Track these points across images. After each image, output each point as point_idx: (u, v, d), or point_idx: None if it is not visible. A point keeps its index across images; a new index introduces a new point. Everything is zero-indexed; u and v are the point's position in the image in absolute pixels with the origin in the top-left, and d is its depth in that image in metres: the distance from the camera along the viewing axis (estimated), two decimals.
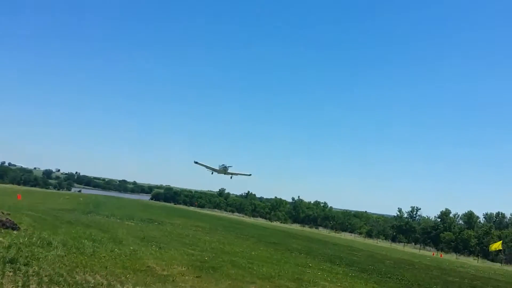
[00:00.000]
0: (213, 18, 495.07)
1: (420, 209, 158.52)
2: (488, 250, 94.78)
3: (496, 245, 78.72)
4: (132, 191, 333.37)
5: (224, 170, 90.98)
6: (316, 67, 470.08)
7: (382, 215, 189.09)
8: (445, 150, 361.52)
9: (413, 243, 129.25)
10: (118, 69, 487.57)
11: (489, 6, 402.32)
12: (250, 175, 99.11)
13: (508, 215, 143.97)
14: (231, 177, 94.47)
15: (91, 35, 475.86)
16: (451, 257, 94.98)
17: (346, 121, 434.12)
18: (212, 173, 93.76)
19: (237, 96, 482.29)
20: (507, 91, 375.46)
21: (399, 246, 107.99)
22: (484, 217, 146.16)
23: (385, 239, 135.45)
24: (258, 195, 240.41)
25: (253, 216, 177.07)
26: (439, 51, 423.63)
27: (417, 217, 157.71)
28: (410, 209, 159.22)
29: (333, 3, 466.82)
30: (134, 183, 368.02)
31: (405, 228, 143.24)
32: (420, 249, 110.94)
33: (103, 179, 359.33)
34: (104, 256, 17.42)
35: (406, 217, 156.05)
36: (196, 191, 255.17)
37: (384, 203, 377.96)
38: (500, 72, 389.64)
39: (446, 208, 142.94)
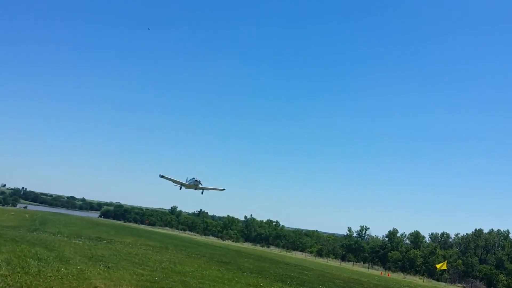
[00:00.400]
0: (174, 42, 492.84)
1: (369, 228, 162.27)
2: (434, 269, 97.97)
3: (442, 265, 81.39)
4: (81, 208, 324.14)
5: (195, 184, 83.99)
6: (268, 91, 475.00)
7: (333, 234, 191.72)
8: (392, 172, 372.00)
9: (362, 262, 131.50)
10: (67, 85, 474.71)
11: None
12: (223, 189, 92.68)
13: (452, 235, 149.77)
14: (202, 193, 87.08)
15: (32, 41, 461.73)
16: (398, 276, 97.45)
17: (297, 141, 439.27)
18: (180, 188, 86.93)
19: (189, 114, 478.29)
20: (451, 119, 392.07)
21: (348, 265, 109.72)
22: (429, 237, 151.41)
23: (335, 258, 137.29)
24: (210, 213, 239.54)
25: (205, 234, 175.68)
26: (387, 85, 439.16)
27: (366, 236, 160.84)
28: (360, 228, 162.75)
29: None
30: (83, 199, 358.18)
31: (354, 247, 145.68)
32: (368, 268, 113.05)
33: (51, 195, 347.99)
34: (50, 276, 16.95)
35: (355, 236, 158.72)
36: (147, 209, 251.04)
37: (335, 222, 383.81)
38: (441, 104, 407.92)
39: (393, 228, 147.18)
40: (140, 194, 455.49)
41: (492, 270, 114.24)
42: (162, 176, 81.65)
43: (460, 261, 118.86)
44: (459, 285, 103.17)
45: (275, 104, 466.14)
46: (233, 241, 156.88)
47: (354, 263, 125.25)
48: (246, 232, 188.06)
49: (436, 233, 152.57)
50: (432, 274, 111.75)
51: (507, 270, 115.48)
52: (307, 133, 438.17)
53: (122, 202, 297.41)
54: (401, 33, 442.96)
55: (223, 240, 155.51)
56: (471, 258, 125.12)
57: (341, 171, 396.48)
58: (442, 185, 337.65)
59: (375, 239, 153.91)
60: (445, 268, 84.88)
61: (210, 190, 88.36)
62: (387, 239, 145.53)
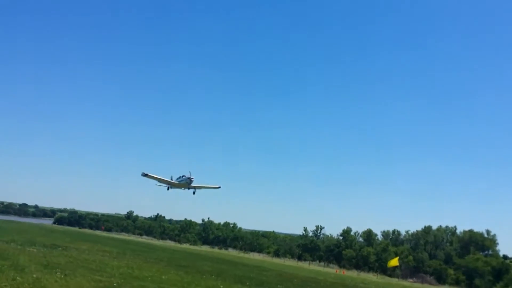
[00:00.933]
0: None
1: (324, 227, 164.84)
2: (386, 266, 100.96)
3: (394, 261, 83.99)
4: (34, 215, 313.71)
5: (186, 183, 74.68)
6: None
7: (289, 234, 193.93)
8: (345, 172, 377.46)
9: (318, 261, 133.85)
10: (15, 88, 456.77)
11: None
12: (219, 187, 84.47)
13: (403, 233, 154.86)
14: (194, 193, 78.01)
15: None
16: (353, 273, 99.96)
17: (250, 142, 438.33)
18: (168, 188, 77.91)
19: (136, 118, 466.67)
20: (398, 122, 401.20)
21: (305, 264, 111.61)
22: (381, 235, 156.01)
23: (292, 257, 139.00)
24: (167, 217, 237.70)
25: (162, 238, 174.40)
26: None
27: (321, 235, 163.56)
28: (315, 228, 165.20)
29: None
30: (36, 206, 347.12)
31: (310, 246, 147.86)
32: (324, 266, 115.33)
33: (2, 203, 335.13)
34: (5, 285, 16.90)
35: (311, 236, 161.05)
36: (102, 214, 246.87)
37: (291, 222, 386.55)
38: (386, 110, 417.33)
39: (347, 227, 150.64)
40: (95, 199, 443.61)
41: (441, 265, 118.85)
42: (146, 175, 72.50)
43: (411, 257, 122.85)
44: (410, 280, 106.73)
45: (229, 110, 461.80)
46: (191, 245, 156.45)
47: (310, 262, 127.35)
48: (203, 235, 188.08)
49: (387, 230, 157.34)
50: (385, 270, 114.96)
51: (455, 264, 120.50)
52: (262, 134, 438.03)
53: (77, 208, 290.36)
54: (392, 38, 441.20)
55: (180, 243, 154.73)
56: (421, 254, 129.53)
57: (296, 171, 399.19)
58: (392, 184, 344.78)
59: (330, 238, 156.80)
60: (397, 264, 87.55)
61: (203, 189, 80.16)
62: (341, 237, 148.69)
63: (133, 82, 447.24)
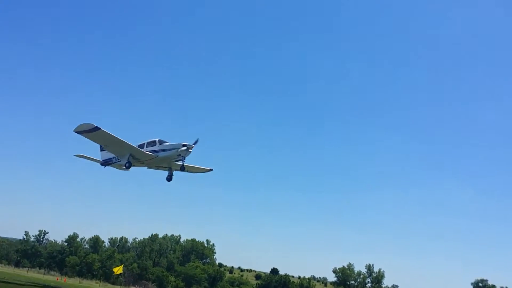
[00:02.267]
0: None
1: (48, 232, 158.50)
2: (111, 273, 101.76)
3: (118, 269, 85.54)
4: None
5: (178, 155, 44.97)
6: None
7: (8, 239, 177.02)
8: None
9: (38, 268, 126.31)
10: None
11: None
12: (211, 170, 53.06)
13: (130, 240, 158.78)
14: (169, 178, 49.92)
15: None
16: (75, 281, 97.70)
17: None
18: (127, 164, 46.00)
19: None
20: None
21: (23, 271, 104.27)
22: (109, 242, 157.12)
23: (8, 264, 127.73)
24: None
25: None
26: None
27: (45, 241, 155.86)
28: (38, 232, 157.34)
29: None
30: None
31: (31, 252, 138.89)
32: (44, 273, 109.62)
33: None
34: None
35: (33, 241, 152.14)
36: None
37: (11, 226, 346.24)
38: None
39: (74, 232, 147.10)
40: None
41: (163, 272, 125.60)
42: (96, 129, 41.71)
43: (135, 265, 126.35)
44: (133, 287, 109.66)
45: None
46: None
47: (29, 268, 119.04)
48: None
49: (115, 237, 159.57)
50: (109, 277, 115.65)
51: (176, 272, 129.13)
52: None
53: None
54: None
55: None
56: (146, 261, 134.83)
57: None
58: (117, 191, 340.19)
59: (54, 243, 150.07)
60: (122, 271, 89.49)
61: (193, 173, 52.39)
62: (66, 244, 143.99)
63: None
